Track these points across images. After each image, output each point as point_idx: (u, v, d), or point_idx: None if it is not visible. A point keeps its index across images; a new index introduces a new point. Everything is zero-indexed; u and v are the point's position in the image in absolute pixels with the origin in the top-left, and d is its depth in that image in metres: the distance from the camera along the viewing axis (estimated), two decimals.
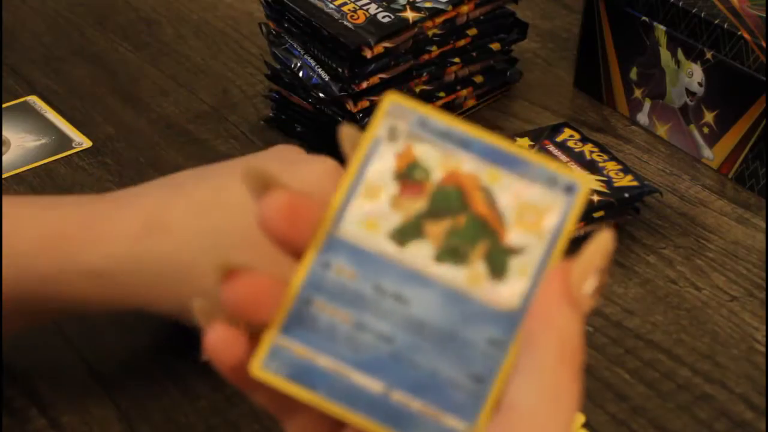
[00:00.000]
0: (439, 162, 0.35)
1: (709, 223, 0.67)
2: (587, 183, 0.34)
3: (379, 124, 0.36)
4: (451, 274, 0.34)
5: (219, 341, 0.33)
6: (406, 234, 0.34)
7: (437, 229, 0.34)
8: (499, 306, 0.33)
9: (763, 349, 0.57)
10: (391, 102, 0.36)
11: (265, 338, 0.34)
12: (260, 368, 0.34)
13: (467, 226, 0.34)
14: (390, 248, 0.34)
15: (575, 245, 0.33)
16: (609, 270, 0.34)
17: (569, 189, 0.34)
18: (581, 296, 0.33)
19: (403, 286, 0.34)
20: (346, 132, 0.36)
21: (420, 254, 0.34)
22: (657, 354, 0.57)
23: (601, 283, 0.34)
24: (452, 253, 0.34)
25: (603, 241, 0.33)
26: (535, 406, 0.32)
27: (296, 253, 0.34)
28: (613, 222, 0.64)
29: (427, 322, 0.33)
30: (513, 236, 0.34)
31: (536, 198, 0.34)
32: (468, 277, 0.34)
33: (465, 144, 0.35)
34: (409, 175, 0.35)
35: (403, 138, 0.35)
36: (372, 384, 0.33)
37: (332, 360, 0.33)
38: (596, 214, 0.62)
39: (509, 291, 0.34)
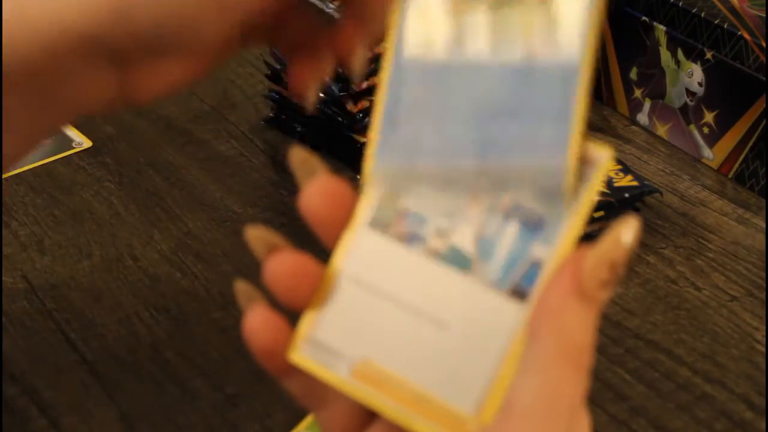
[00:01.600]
0: None
1: (709, 223, 0.67)
2: None
3: None
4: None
5: (258, 324, 0.33)
6: None
7: None
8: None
9: (763, 349, 0.57)
10: None
11: (303, 322, 0.34)
12: (297, 353, 0.34)
13: None
14: None
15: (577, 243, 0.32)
16: (628, 263, 0.31)
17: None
18: (594, 290, 0.30)
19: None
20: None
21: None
22: (657, 354, 0.57)
23: (619, 277, 0.31)
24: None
25: (623, 231, 0.31)
26: (533, 403, 0.30)
27: (334, 237, 0.34)
28: (611, 222, 0.64)
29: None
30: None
31: None
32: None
33: None
34: None
35: None
36: None
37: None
38: (596, 214, 0.62)
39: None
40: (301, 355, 0.34)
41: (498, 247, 0.33)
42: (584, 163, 0.32)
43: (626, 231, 0.31)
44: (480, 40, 0.35)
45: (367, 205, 0.35)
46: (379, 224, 0.34)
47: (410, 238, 0.34)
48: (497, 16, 0.35)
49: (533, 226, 0.33)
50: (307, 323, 0.34)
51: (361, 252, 0.34)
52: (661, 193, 0.67)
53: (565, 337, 0.30)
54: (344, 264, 0.34)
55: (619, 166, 0.66)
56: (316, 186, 0.34)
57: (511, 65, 0.34)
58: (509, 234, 0.33)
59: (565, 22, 0.33)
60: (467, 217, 0.33)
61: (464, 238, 0.33)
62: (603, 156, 0.32)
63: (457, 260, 0.33)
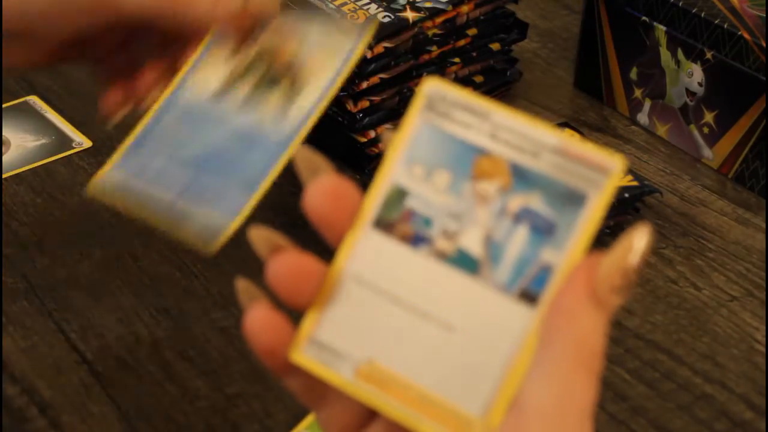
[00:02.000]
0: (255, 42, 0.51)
1: (709, 223, 0.67)
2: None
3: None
4: (251, 113, 0.50)
5: (259, 322, 0.33)
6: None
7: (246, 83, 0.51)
8: (275, 133, 0.48)
9: (763, 349, 0.57)
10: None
11: (306, 322, 0.34)
12: (300, 353, 0.34)
13: (268, 78, 0.50)
14: None
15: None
16: (641, 269, 0.32)
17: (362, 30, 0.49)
18: (608, 295, 0.31)
19: None
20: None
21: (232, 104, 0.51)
22: (657, 354, 0.57)
23: (631, 283, 0.31)
24: (254, 98, 0.49)
25: (637, 238, 0.31)
26: (545, 407, 0.30)
27: (338, 236, 0.34)
28: (613, 222, 0.64)
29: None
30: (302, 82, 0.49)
31: (328, 43, 0.49)
32: (259, 116, 0.49)
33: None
34: (236, 54, 0.52)
35: None
36: None
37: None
38: None
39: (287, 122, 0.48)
40: (303, 356, 0.34)
41: (507, 250, 0.33)
42: (596, 168, 0.33)
43: (639, 238, 0.31)
44: (236, 100, 0.48)
45: (371, 205, 0.34)
46: (384, 224, 0.34)
47: (416, 239, 0.34)
48: (260, 87, 0.49)
49: (543, 230, 0.33)
50: (310, 323, 0.34)
51: (364, 252, 0.34)
52: (661, 193, 0.67)
53: (580, 341, 0.30)
54: (348, 264, 0.34)
55: None
56: (320, 185, 0.34)
57: (243, 128, 0.48)
58: (519, 237, 0.33)
59: (299, 103, 0.47)
60: (476, 220, 0.34)
61: (472, 241, 0.33)
62: (614, 164, 0.32)
63: (465, 263, 0.33)
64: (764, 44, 0.65)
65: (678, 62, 0.71)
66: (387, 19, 0.67)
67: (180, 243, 0.46)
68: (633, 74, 0.75)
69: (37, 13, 0.52)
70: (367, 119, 0.69)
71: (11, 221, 0.66)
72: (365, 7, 0.68)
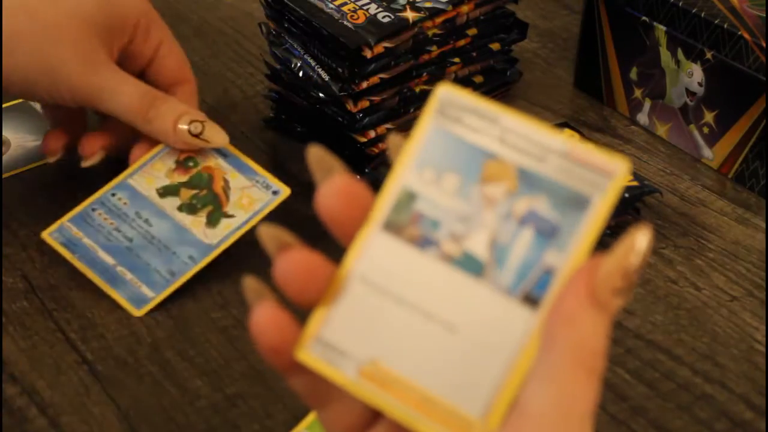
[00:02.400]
0: (203, 160, 0.63)
1: (709, 223, 0.67)
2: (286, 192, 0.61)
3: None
4: (185, 218, 0.61)
5: (265, 320, 0.33)
6: (167, 191, 0.62)
7: (187, 192, 0.62)
8: (205, 239, 0.60)
9: (763, 349, 0.57)
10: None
11: (312, 321, 0.34)
12: (305, 352, 0.34)
13: (205, 195, 0.62)
14: None
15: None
16: (641, 270, 0.32)
17: (275, 192, 0.62)
18: (608, 297, 0.31)
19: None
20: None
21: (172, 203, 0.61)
22: (657, 354, 0.57)
23: (632, 285, 0.31)
24: (190, 207, 0.61)
25: (637, 239, 0.31)
26: (546, 410, 0.30)
27: (349, 236, 0.34)
28: (614, 222, 0.64)
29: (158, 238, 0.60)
30: (229, 207, 0.61)
31: (252, 192, 0.62)
32: (193, 221, 0.61)
33: (222, 153, 0.63)
34: (183, 163, 0.63)
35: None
36: None
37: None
38: None
39: (213, 234, 0.60)
40: (308, 354, 0.34)
41: (512, 253, 0.33)
42: (600, 172, 0.33)
43: (640, 239, 0.31)
44: (176, 202, 0.62)
45: (382, 207, 0.35)
46: (393, 226, 0.35)
47: (424, 242, 0.35)
48: (198, 198, 0.62)
49: (547, 233, 0.33)
50: (316, 322, 0.34)
51: (373, 253, 0.35)
52: (661, 193, 0.67)
53: (580, 344, 0.30)
54: (356, 264, 0.34)
55: None
56: (332, 185, 0.34)
57: (181, 224, 0.61)
58: (523, 240, 0.34)
59: (226, 222, 0.61)
60: (482, 223, 0.34)
61: (478, 244, 0.34)
62: (619, 167, 0.32)
63: (470, 265, 0.34)
64: (764, 44, 0.65)
65: (678, 62, 0.71)
66: (387, 19, 0.67)
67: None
68: (633, 74, 0.75)
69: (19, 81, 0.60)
70: (367, 119, 0.69)
71: (11, 221, 0.66)
72: (365, 7, 0.68)
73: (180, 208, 0.61)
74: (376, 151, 0.70)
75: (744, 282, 0.62)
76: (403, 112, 0.71)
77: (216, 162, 0.63)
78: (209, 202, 0.61)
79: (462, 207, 0.35)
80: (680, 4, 0.70)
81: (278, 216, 0.65)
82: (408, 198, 0.35)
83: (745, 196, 0.69)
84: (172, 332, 0.58)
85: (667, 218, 0.67)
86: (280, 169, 0.71)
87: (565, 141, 0.34)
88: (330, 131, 0.71)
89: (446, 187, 0.35)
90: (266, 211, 0.61)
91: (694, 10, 0.69)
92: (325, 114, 0.70)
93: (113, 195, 0.62)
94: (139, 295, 0.58)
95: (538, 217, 0.34)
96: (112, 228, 0.60)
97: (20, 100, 0.78)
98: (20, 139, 0.74)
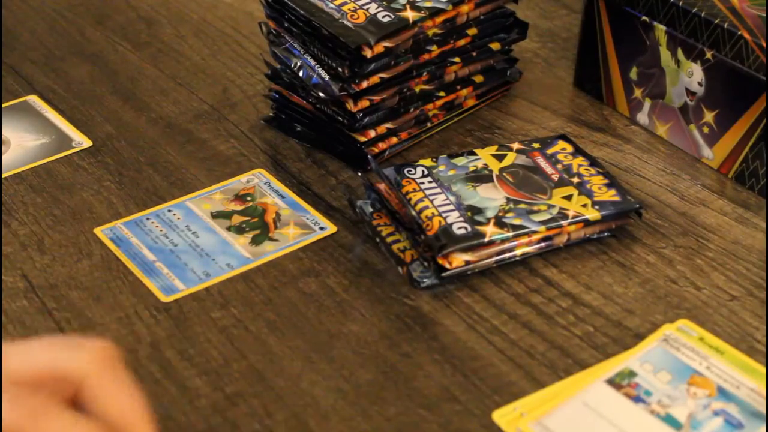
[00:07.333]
0: (260, 197, 0.67)
1: (709, 222, 0.67)
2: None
3: None
4: (232, 236, 0.64)
5: None
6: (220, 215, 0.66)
7: (239, 218, 0.66)
8: (245, 254, 0.63)
9: (763, 349, 0.57)
10: None
11: (539, 409, 0.49)
12: (528, 427, 0.49)
13: (255, 222, 0.66)
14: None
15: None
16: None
17: (321, 228, 0.65)
18: None
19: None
20: None
21: (222, 224, 0.65)
22: None
23: None
24: (239, 228, 0.65)
25: None
26: None
27: None
28: (606, 232, 0.64)
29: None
30: (275, 233, 0.64)
31: (300, 225, 0.65)
32: (238, 239, 0.64)
33: (279, 194, 0.68)
34: (242, 198, 0.68)
35: None
36: None
37: None
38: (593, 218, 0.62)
39: (254, 251, 0.63)
40: (529, 428, 0.49)
41: (705, 427, 0.50)
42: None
43: None
44: (226, 223, 0.65)
45: (607, 370, 0.53)
46: (614, 383, 0.52)
47: (636, 399, 0.51)
48: (247, 222, 0.66)
49: (735, 425, 0.50)
50: (542, 411, 0.49)
51: (595, 392, 0.51)
52: (643, 208, 0.66)
53: None
54: (578, 395, 0.51)
55: (606, 181, 0.65)
56: None
57: (226, 238, 0.64)
58: (716, 423, 0.50)
59: (272, 244, 0.64)
60: (685, 404, 0.51)
61: (680, 413, 0.51)
62: None
63: (671, 422, 0.50)
64: (764, 44, 0.65)
65: (678, 62, 0.71)
66: (387, 19, 0.67)
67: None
68: (633, 74, 0.75)
69: None
70: (367, 119, 0.69)
71: (11, 221, 0.66)
72: (365, 7, 0.68)
73: (229, 228, 0.65)
74: (376, 150, 0.70)
75: (744, 282, 0.62)
76: (403, 111, 0.71)
77: (273, 200, 0.67)
78: (258, 227, 0.65)
79: (671, 391, 0.52)
80: (680, 3, 0.70)
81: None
82: (629, 373, 0.53)
83: (745, 196, 0.69)
84: (172, 332, 0.58)
85: (667, 218, 0.67)
86: (280, 169, 0.71)
87: (756, 382, 0.52)
88: (330, 131, 0.71)
89: (660, 378, 0.52)
90: (309, 241, 0.64)
91: (694, 10, 0.69)
92: (325, 114, 0.70)
93: (169, 211, 0.66)
94: (171, 286, 0.60)
95: (729, 414, 0.50)
96: (160, 233, 0.64)
97: (20, 100, 0.78)
98: (20, 138, 0.74)
